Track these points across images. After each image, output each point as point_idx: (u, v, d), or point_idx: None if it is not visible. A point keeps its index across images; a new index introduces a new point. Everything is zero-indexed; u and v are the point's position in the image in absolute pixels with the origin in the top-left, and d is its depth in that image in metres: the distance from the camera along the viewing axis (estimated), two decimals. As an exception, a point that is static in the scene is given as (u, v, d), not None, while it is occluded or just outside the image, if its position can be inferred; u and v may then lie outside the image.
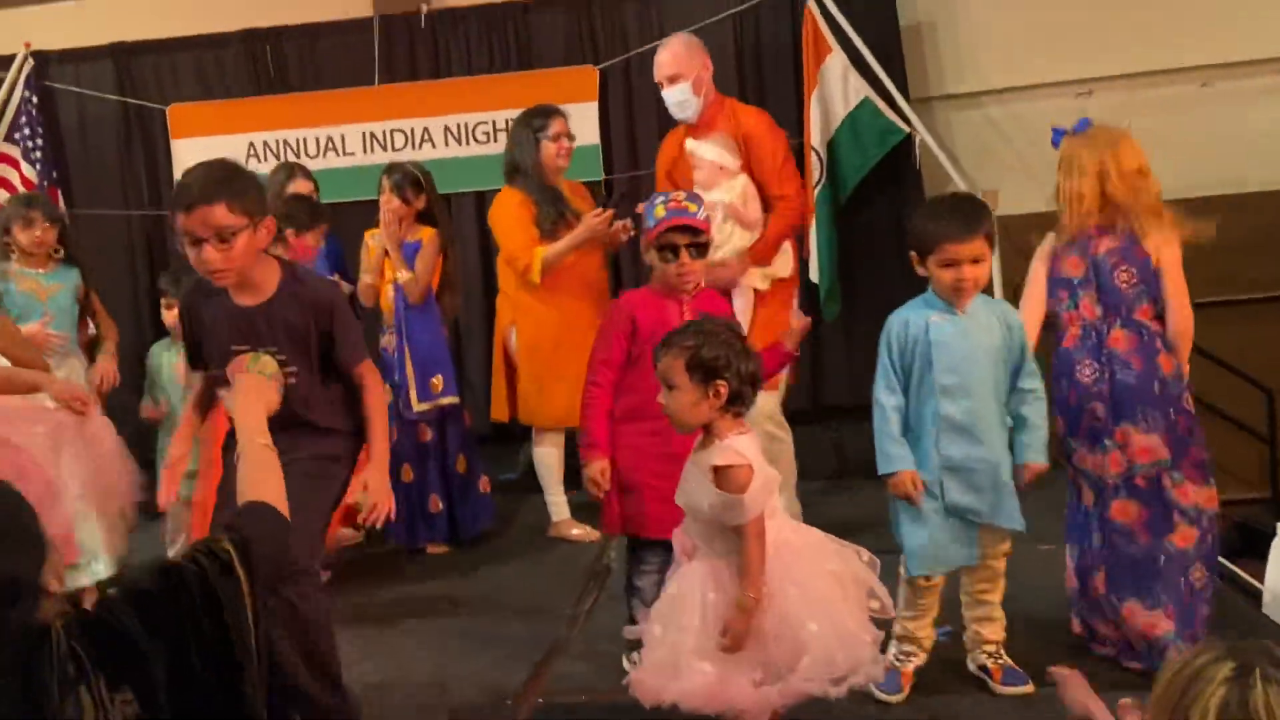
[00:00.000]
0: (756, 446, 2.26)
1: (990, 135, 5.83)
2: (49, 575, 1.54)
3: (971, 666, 2.75)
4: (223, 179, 2.47)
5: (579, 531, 4.37)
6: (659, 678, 2.22)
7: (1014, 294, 5.46)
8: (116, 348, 4.38)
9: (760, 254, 4.05)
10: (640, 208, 3.86)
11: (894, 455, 2.73)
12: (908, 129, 5.39)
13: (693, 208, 2.86)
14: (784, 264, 4.19)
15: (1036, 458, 2.78)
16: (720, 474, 2.20)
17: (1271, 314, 5.34)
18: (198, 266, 2.50)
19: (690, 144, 4.07)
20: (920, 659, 2.81)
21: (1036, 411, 2.77)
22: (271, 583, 1.63)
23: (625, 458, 2.80)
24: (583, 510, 4.40)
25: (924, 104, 5.72)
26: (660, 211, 2.85)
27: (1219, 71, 5.66)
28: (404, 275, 4.30)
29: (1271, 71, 5.65)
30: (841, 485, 3.89)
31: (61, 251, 4.35)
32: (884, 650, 2.64)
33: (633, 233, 4.15)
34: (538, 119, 4.36)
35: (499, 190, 5.61)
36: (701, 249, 2.84)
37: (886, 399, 2.79)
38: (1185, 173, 5.68)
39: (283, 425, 2.41)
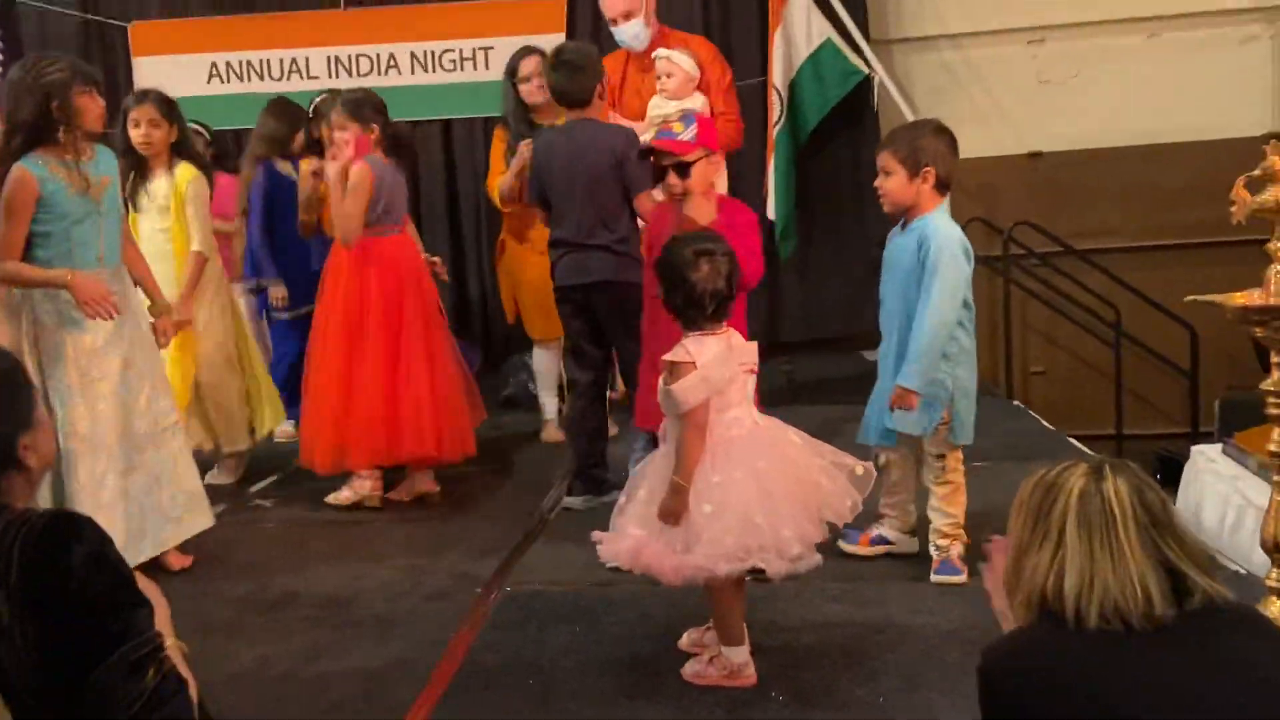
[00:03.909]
0: (716, 349, 2.41)
1: (945, 79, 6.00)
2: (29, 451, 1.62)
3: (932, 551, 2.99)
4: None
5: (553, 432, 4.63)
6: (607, 539, 2.50)
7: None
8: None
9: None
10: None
11: None
12: (867, 70, 5.53)
13: (678, 128, 2.99)
14: (721, 181, 4.37)
15: (906, 380, 2.86)
16: (668, 368, 2.43)
17: (1202, 258, 5.60)
18: None
19: (664, 52, 4.21)
20: (885, 530, 3.11)
21: (921, 334, 2.84)
22: None
23: (644, 357, 3.13)
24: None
25: (883, 46, 5.86)
26: (650, 135, 3.00)
27: (1166, 23, 5.85)
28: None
29: (1213, 24, 5.85)
30: (795, 410, 4.10)
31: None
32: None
33: None
34: (509, 63, 4.49)
35: (464, 118, 5.84)
36: (684, 168, 2.98)
37: None
38: (1129, 121, 5.93)
39: None
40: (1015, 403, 5.26)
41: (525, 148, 4.28)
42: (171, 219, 3.83)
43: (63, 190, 3.06)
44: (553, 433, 4.64)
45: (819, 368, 5.59)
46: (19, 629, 1.46)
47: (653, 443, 2.78)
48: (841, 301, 5.81)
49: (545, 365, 4.66)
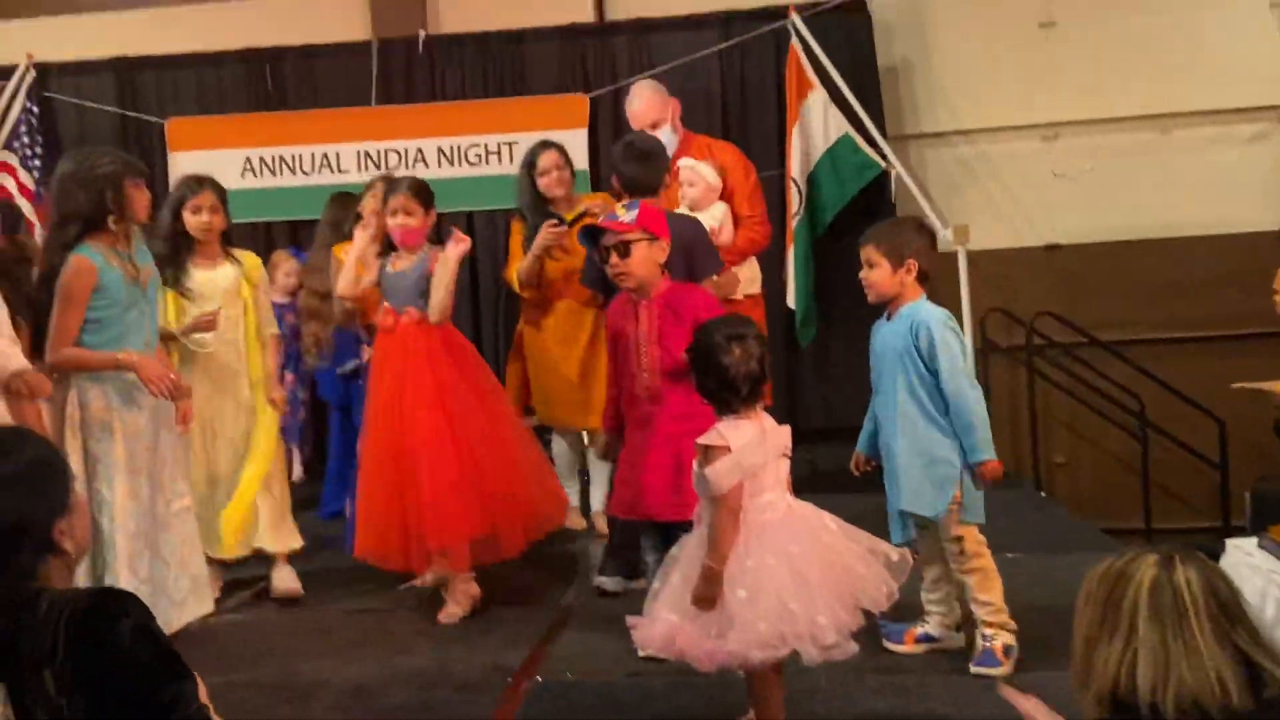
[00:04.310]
0: (749, 433, 2.42)
1: (960, 173, 6.12)
2: (65, 536, 1.63)
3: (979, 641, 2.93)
4: None
5: (576, 519, 4.60)
6: (641, 624, 2.46)
7: (981, 324, 5.76)
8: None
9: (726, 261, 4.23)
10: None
11: (859, 439, 3.19)
12: (884, 164, 5.64)
13: (621, 211, 3.06)
14: (754, 281, 4.43)
15: (975, 456, 2.90)
16: (702, 451, 2.43)
17: (1225, 350, 5.62)
18: None
19: (688, 162, 4.28)
20: (931, 627, 3.05)
21: (960, 412, 2.89)
22: None
23: (624, 451, 3.08)
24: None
25: (900, 141, 5.99)
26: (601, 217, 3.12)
27: (1176, 119, 5.98)
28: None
29: (1223, 121, 5.98)
30: (816, 499, 4.07)
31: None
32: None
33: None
34: (527, 157, 4.56)
35: (488, 210, 5.95)
36: (624, 247, 3.02)
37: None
38: (1143, 215, 6.02)
39: None
40: (1041, 494, 5.22)
41: (549, 229, 4.33)
42: (241, 306, 3.80)
43: (119, 279, 3.15)
44: (574, 519, 4.62)
45: (839, 456, 5.51)
46: (67, 705, 1.46)
47: (665, 544, 2.72)
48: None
49: (565, 453, 4.65)
